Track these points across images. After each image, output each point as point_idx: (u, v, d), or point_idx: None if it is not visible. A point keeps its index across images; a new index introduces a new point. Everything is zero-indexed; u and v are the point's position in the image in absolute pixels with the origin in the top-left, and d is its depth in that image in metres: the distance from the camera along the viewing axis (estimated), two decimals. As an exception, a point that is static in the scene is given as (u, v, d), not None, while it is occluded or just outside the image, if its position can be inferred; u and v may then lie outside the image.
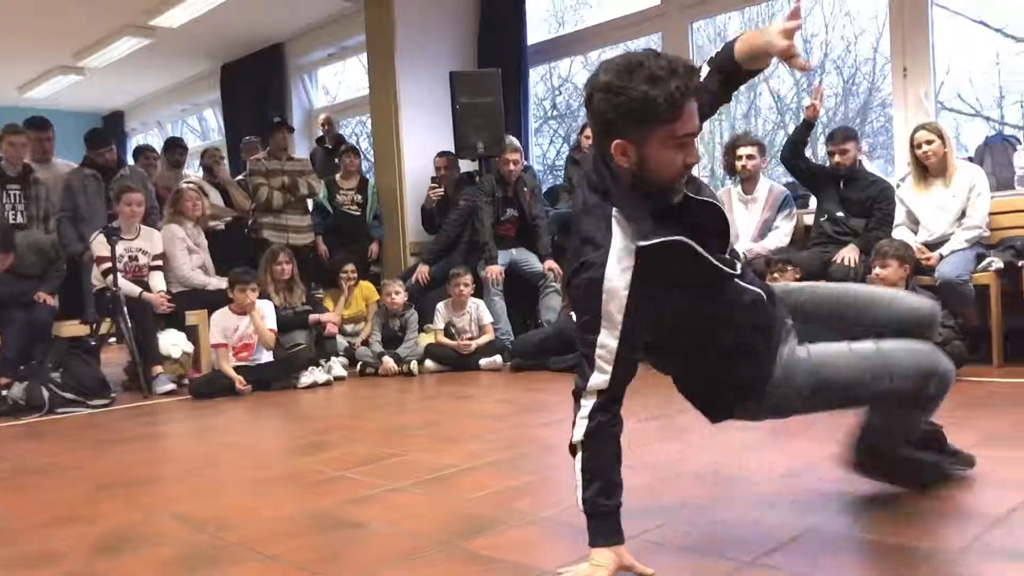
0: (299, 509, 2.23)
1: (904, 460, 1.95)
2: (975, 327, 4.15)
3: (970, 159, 4.60)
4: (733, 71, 1.65)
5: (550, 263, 5.67)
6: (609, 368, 1.54)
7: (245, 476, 2.72)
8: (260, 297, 5.04)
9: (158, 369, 4.92)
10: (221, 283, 5.28)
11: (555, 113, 8.91)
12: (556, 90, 8.91)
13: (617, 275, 1.51)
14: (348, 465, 2.72)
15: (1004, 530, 1.74)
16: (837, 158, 4.53)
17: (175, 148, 6.92)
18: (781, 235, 4.83)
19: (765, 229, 4.88)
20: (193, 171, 7.85)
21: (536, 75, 8.22)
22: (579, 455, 1.59)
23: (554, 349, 4.94)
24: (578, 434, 1.58)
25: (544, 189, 6.45)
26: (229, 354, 4.85)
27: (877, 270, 3.91)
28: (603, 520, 1.56)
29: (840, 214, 4.53)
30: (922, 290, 3.95)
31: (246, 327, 4.92)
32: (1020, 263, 4.01)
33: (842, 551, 1.70)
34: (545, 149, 8.81)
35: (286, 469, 2.81)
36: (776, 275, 4.17)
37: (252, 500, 2.39)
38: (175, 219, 5.54)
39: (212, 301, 5.19)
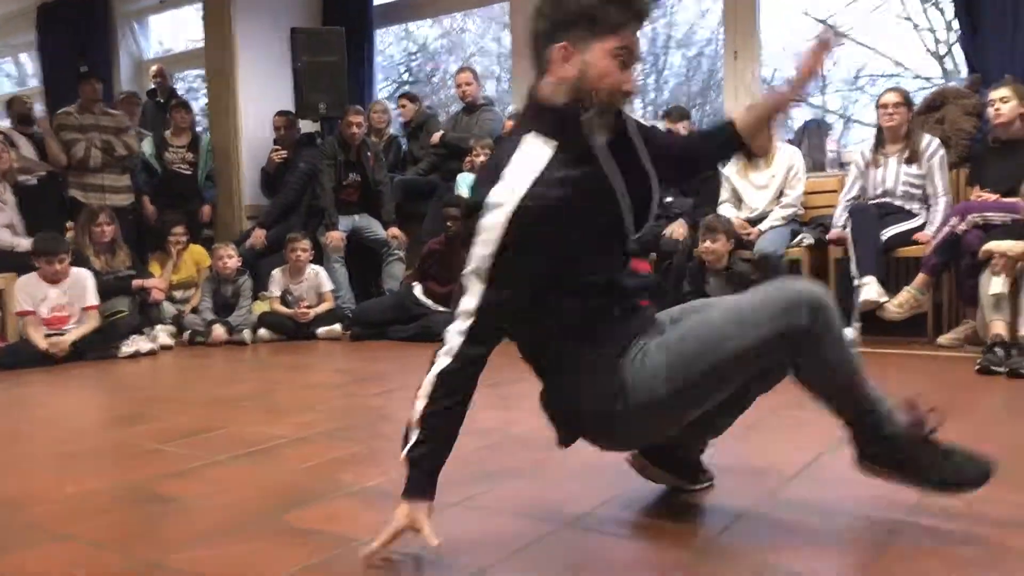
0: (107, 485, 2.10)
1: (915, 442, 1.57)
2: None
3: (789, 141, 4.91)
4: (733, 137, 1.71)
5: (394, 230, 5.60)
6: (480, 289, 1.43)
7: (50, 451, 2.53)
8: (77, 263, 4.67)
9: (-45, 337, 4.49)
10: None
11: (411, 79, 8.77)
12: (411, 55, 8.77)
13: (508, 197, 1.40)
14: (167, 438, 2.58)
15: (796, 485, 1.89)
16: (671, 136, 4.70)
17: (-24, 94, 6.28)
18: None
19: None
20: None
21: (390, 37, 8.05)
22: (424, 399, 1.48)
23: (395, 318, 4.89)
24: (432, 372, 1.48)
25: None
26: (39, 323, 4.48)
27: (708, 243, 4.12)
28: (419, 474, 1.48)
29: (669, 199, 4.72)
30: (743, 264, 4.21)
31: (58, 296, 4.55)
32: (828, 240, 4.33)
33: (647, 511, 1.78)
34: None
35: (97, 443, 2.64)
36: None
37: (54, 477, 2.22)
38: (-25, 172, 5.04)
39: (20, 264, 4.77)
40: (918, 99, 4.43)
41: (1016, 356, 3.11)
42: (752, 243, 4.39)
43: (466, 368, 1.49)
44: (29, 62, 9.87)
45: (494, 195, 1.42)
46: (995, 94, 3.88)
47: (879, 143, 4.24)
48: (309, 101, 5.89)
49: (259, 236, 5.70)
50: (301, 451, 2.36)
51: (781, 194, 4.54)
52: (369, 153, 5.64)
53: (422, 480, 1.49)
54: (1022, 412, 2.70)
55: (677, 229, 4.54)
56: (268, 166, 6.10)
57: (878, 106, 4.20)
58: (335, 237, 5.42)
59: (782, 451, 2.20)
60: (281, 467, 2.20)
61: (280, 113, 6.08)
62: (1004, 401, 2.80)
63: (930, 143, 4.13)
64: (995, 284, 3.32)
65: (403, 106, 6.22)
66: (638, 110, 7.83)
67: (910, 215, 4.14)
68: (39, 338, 4.40)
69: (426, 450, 1.48)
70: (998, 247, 3.35)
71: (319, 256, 5.43)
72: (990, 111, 3.93)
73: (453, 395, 1.48)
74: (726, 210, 4.62)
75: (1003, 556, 1.46)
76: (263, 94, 6.32)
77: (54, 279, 4.53)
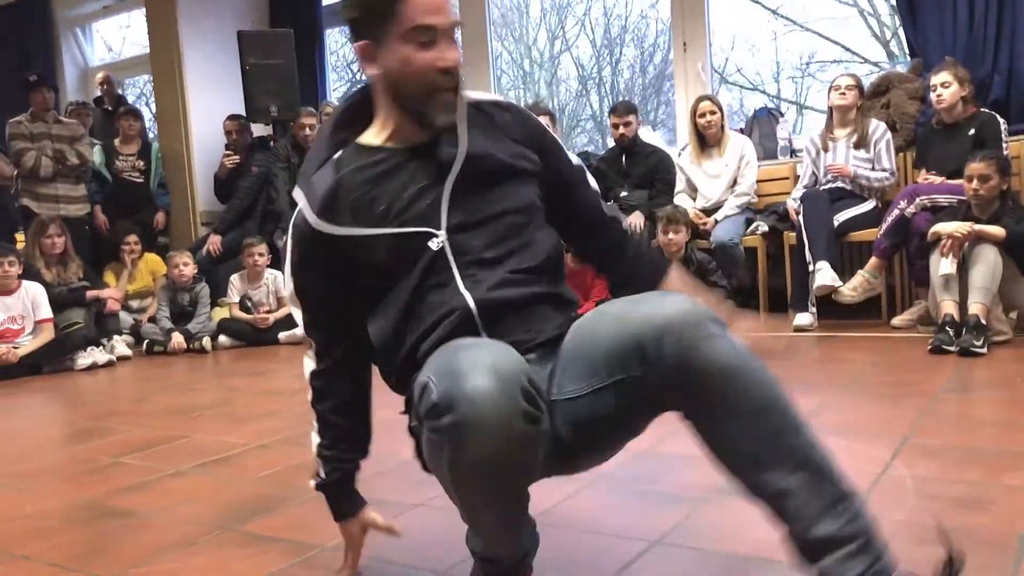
0: (65, 502, 2.06)
1: None
2: (745, 286, 4.53)
3: (740, 131, 4.97)
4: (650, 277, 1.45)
5: (351, 232, 5.55)
6: (300, 315, 1.38)
7: (5, 471, 2.47)
8: (27, 276, 4.58)
9: (-98, 357, 4.37)
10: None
11: (363, 78, 8.69)
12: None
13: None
14: (125, 451, 2.55)
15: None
16: (621, 130, 4.75)
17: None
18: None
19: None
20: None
21: (342, 37, 7.97)
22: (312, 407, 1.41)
23: (356, 319, 4.86)
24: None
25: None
26: (-10, 337, 4.38)
27: (670, 235, 4.14)
28: (336, 500, 1.43)
29: (624, 193, 4.75)
30: (701, 253, 4.25)
31: (9, 309, 4.45)
32: (782, 227, 4.39)
33: (610, 507, 1.79)
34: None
35: (53, 459, 2.59)
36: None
37: (9, 496, 2.18)
38: (-82, 187, 4.90)
39: (-32, 279, 4.65)
40: (866, 84, 4.51)
41: (966, 335, 3.18)
42: (708, 232, 4.44)
43: (328, 374, 1.39)
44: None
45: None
46: (936, 79, 3.96)
47: (828, 127, 4.32)
48: (260, 104, 5.82)
49: (215, 242, 5.62)
50: (262, 458, 2.34)
51: (735, 183, 4.60)
52: (324, 154, 5.58)
53: (341, 503, 1.43)
54: (972, 388, 2.77)
55: (635, 221, 4.58)
56: (220, 171, 6.01)
57: (831, 88, 4.27)
58: (292, 241, 5.37)
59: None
60: (242, 476, 2.18)
61: (231, 117, 5.99)
62: (956, 378, 2.87)
63: (877, 127, 4.22)
64: (944, 265, 3.40)
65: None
66: (594, 103, 7.89)
67: (861, 199, 4.21)
68: (-11, 354, 4.30)
69: (330, 475, 1.41)
70: (945, 229, 3.43)
71: (276, 260, 5.37)
72: (932, 96, 4.01)
73: (323, 400, 1.40)
74: (682, 200, 4.67)
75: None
76: (213, 98, 6.22)
77: (7, 290, 4.42)
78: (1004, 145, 3.85)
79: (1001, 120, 3.93)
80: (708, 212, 4.58)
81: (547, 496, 1.83)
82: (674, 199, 4.67)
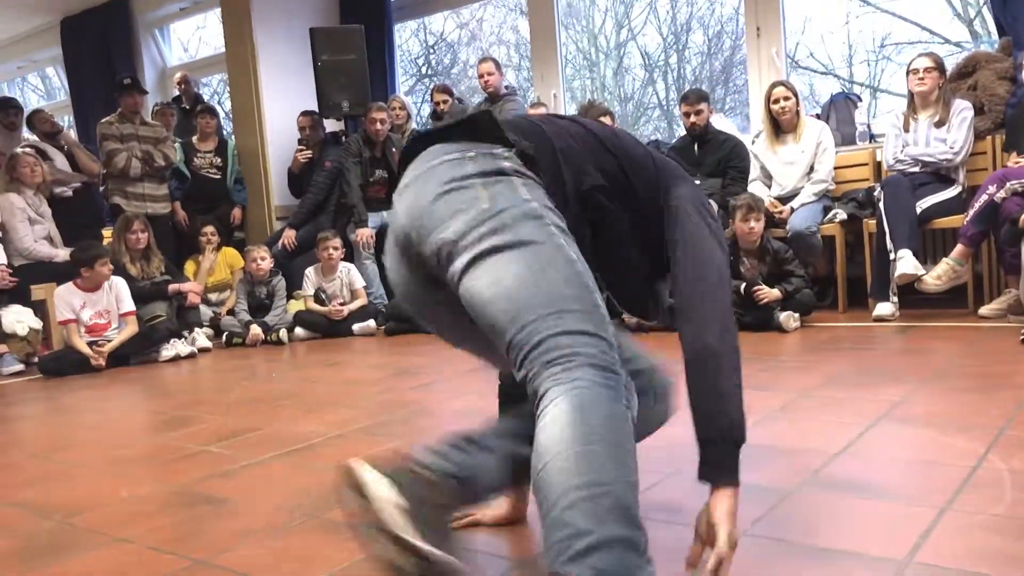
0: (157, 488, 2.14)
1: None
2: (823, 275, 4.41)
3: (816, 116, 4.84)
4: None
5: (422, 224, 5.60)
6: None
7: (99, 457, 2.58)
8: (114, 271, 4.76)
9: (2, 348, 4.59)
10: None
11: (429, 72, 8.77)
12: (430, 48, 8.77)
13: None
14: (211, 439, 2.63)
15: (840, 462, 1.87)
16: (692, 119, 4.68)
17: (7, 109, 6.35)
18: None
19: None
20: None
21: (407, 32, 8.05)
22: None
23: (428, 311, 4.91)
24: None
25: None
26: (81, 329, 4.57)
27: (751, 224, 4.01)
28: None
29: (697, 182, 4.65)
30: (777, 242, 4.15)
31: (96, 304, 4.63)
32: (861, 214, 4.27)
33: (695, 496, 1.77)
34: (419, 108, 8.74)
35: (145, 447, 2.69)
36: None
37: (106, 482, 2.27)
38: (12, 187, 5.14)
39: (60, 273, 4.87)
40: (949, 65, 4.35)
41: (1060, 324, 3.04)
42: (783, 221, 4.34)
43: None
44: (55, 75, 10.03)
45: None
46: (1028, 58, 3.79)
47: (910, 109, 4.17)
48: (332, 99, 5.92)
49: (290, 236, 5.75)
50: (341, 447, 2.39)
51: (811, 170, 4.49)
52: (394, 149, 5.65)
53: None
54: (1069, 381, 2.65)
55: (708, 210, 4.50)
56: (294, 166, 6.15)
57: (909, 71, 4.13)
58: (365, 234, 5.45)
59: (821, 431, 2.18)
60: (321, 464, 2.23)
61: (304, 113, 6.12)
62: (1050, 370, 2.75)
63: (960, 106, 4.06)
64: (1036, 251, 3.25)
65: (442, 101, 6.21)
66: (660, 91, 7.78)
67: (945, 184, 4.06)
68: (82, 345, 4.49)
69: None
70: (1038, 213, 3.28)
71: (350, 254, 5.47)
72: (1022, 76, 3.84)
73: None
74: (756, 188, 4.57)
75: (1056, 528, 1.44)
76: (286, 95, 6.36)
77: (95, 286, 4.61)
78: (1102, 126, 3.67)
79: (1099, 99, 3.74)
80: (784, 200, 4.48)
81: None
82: (748, 187, 4.58)
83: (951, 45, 5.98)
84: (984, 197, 3.66)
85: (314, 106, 6.06)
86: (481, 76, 5.79)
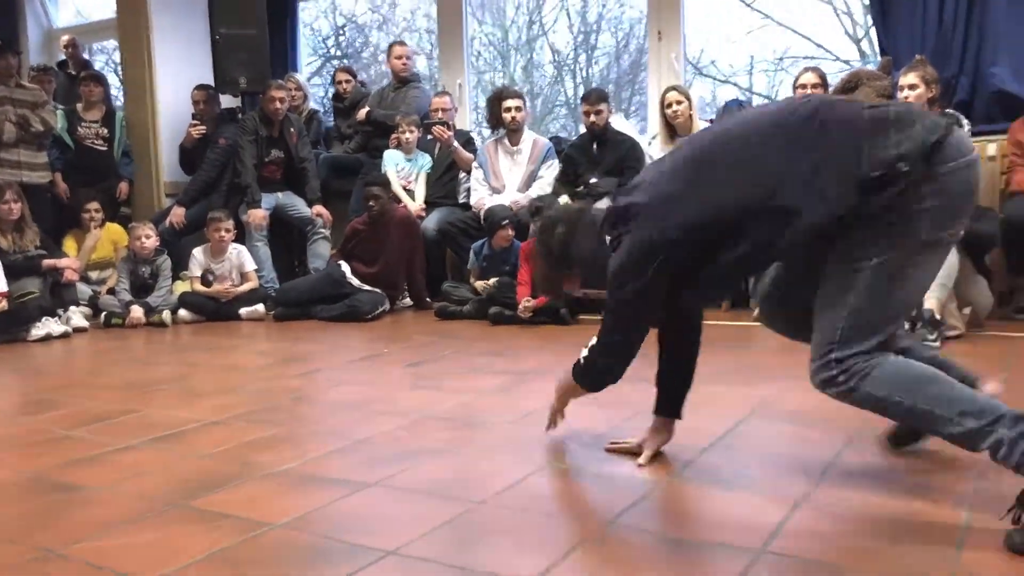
0: (11, 474, 2.02)
1: None
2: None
3: (710, 121, 4.98)
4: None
5: (318, 208, 5.49)
6: None
7: (-50, 441, 2.42)
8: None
9: None
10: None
11: (339, 53, 8.60)
12: (340, 29, 8.60)
13: None
14: (77, 424, 2.50)
15: (709, 456, 1.94)
16: (592, 118, 4.74)
17: None
18: (544, 184, 4.98)
19: (530, 180, 5.02)
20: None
21: (316, 10, 7.86)
22: None
23: (321, 297, 4.81)
24: None
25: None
26: (-59, 304, 4.27)
27: None
28: None
29: (594, 180, 4.75)
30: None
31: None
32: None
33: (561, 489, 1.80)
34: (327, 90, 8.55)
35: (4, 431, 2.53)
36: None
37: (-46, 467, 2.13)
38: None
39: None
40: (833, 81, 4.55)
41: (920, 329, 3.20)
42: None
43: None
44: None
45: None
46: (904, 80, 3.99)
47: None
48: (229, 75, 5.71)
49: (178, 214, 5.53)
50: (216, 435, 2.32)
51: (703, 173, 4.61)
52: (292, 129, 5.51)
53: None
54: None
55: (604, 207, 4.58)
56: (186, 142, 5.90)
57: (795, 86, 4.30)
58: (257, 215, 5.30)
59: (696, 425, 2.24)
60: (194, 451, 2.16)
61: (199, 87, 5.88)
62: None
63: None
64: None
65: (345, 81, 6.08)
66: (569, 88, 7.87)
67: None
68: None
69: None
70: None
71: (241, 235, 5.30)
72: (899, 96, 4.05)
73: None
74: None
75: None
76: (180, 67, 6.10)
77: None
78: (967, 146, 3.90)
79: (966, 121, 3.97)
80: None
81: (499, 478, 1.83)
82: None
83: (841, 62, 6.27)
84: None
85: (210, 80, 5.84)
86: (399, 58, 5.71)
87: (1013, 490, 1.39)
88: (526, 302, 4.15)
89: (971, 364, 2.94)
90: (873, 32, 4.97)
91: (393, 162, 5.32)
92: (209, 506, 1.71)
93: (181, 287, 5.10)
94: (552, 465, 1.92)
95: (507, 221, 4.52)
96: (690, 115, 4.59)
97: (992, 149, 4.18)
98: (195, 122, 5.84)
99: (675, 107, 4.55)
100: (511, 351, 3.55)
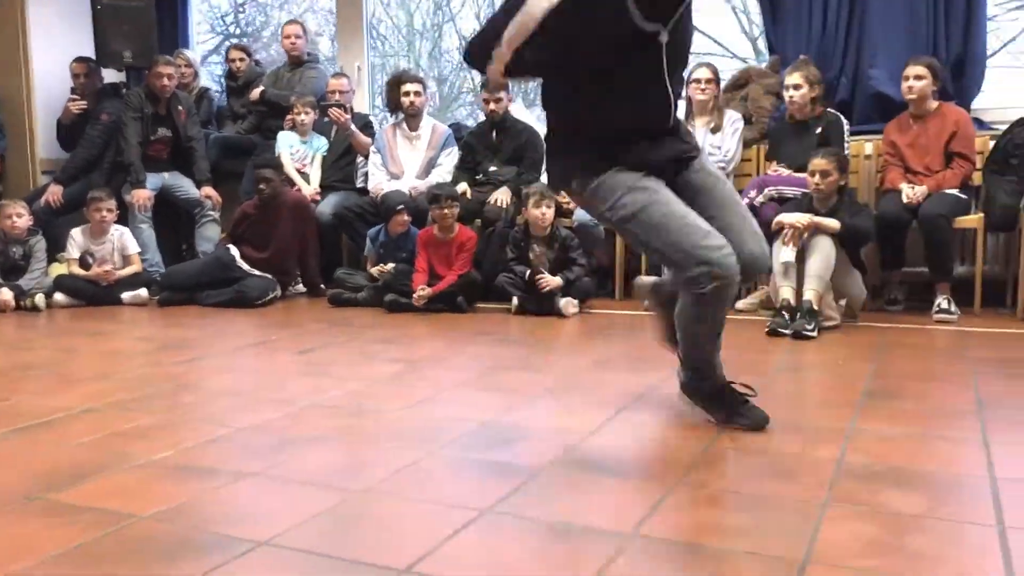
0: None
1: (723, 390, 2.11)
2: (604, 266, 4.63)
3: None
4: None
5: (207, 190, 5.30)
6: None
7: None
8: None
9: None
10: None
11: (238, 32, 8.29)
12: (239, 7, 8.29)
13: None
14: (-69, 414, 2.33)
15: (592, 441, 1.97)
16: (491, 106, 4.73)
17: None
18: (444, 172, 4.95)
19: (429, 166, 4.97)
20: None
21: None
22: None
23: (209, 282, 4.64)
24: None
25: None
26: None
27: (543, 210, 4.10)
28: None
29: (493, 168, 4.75)
30: (565, 231, 4.30)
31: None
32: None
33: (448, 474, 1.80)
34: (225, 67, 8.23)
35: None
36: (445, 210, 4.24)
37: None
38: None
39: None
40: (726, 78, 4.68)
41: (799, 319, 3.38)
42: (571, 212, 4.51)
43: None
44: None
45: None
46: (789, 80, 4.16)
47: (688, 115, 4.46)
48: (111, 47, 5.42)
49: (56, 193, 5.23)
50: (87, 423, 2.21)
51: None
52: (181, 107, 5.29)
53: None
54: (801, 368, 2.96)
55: (501, 196, 4.59)
56: (64, 117, 5.58)
57: (690, 80, 4.40)
58: (142, 196, 5.06)
59: (582, 411, 2.28)
60: (62, 441, 2.05)
61: (78, 59, 5.57)
62: (788, 359, 3.05)
63: (732, 116, 4.40)
64: (784, 253, 3.59)
65: (238, 59, 5.87)
66: (475, 76, 7.80)
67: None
68: None
69: None
70: (787, 219, 3.62)
71: (124, 216, 5.06)
72: (785, 95, 4.21)
73: None
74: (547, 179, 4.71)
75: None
76: (58, 37, 5.76)
77: None
78: (846, 144, 4.10)
79: (845, 121, 4.17)
80: (572, 191, 4.64)
81: (381, 467, 1.81)
82: (543, 177, 4.71)
83: (739, 60, 6.45)
84: (745, 200, 3.98)
85: (91, 52, 5.53)
86: (288, 37, 5.56)
87: (871, 468, 1.46)
88: (421, 290, 4.12)
89: (846, 352, 3.12)
90: (766, 31, 5.13)
91: (287, 144, 5.18)
92: (72, 499, 1.63)
93: (57, 269, 4.84)
94: (436, 453, 1.91)
95: (403, 207, 4.48)
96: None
97: (869, 148, 4.40)
98: (74, 97, 5.53)
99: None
100: (406, 339, 3.52)
